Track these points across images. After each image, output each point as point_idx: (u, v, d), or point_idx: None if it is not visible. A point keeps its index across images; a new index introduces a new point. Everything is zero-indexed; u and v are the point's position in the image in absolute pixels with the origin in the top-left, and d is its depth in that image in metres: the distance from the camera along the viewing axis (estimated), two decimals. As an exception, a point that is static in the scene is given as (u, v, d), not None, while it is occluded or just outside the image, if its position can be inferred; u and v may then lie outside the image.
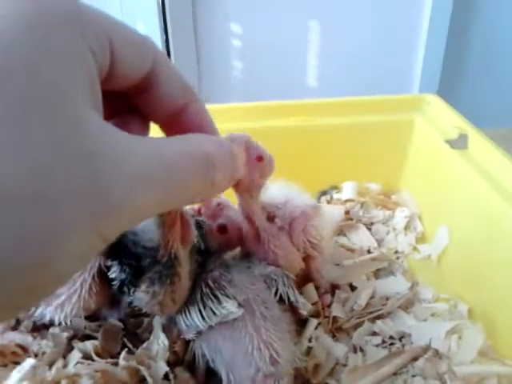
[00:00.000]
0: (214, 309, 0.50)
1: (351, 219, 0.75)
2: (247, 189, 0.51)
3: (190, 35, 1.88)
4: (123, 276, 0.50)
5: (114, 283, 0.51)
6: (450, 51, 1.86)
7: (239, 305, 0.49)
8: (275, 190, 0.59)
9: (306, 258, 0.59)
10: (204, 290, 0.52)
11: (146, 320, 0.58)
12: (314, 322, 0.57)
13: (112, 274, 0.51)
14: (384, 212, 0.76)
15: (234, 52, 2.03)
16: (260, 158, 0.52)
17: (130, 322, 0.58)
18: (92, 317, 0.56)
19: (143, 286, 0.51)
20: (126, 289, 0.51)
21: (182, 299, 0.52)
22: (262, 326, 0.49)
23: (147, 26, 1.65)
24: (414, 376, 0.49)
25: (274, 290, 0.54)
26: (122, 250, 0.51)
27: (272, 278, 0.55)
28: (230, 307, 0.49)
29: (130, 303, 0.54)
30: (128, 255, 0.50)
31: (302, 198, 0.62)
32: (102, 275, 0.52)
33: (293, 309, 0.55)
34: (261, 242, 0.56)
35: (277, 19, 1.91)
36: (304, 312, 0.54)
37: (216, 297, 0.51)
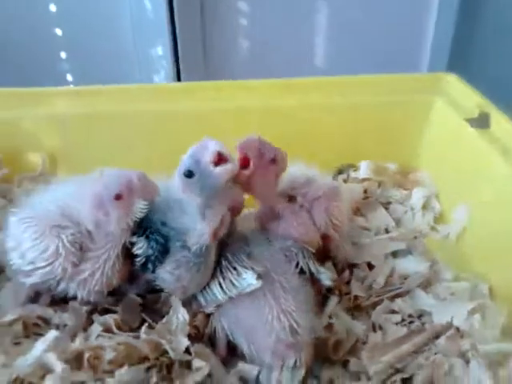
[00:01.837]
0: (233, 280, 0.50)
1: (368, 198, 0.74)
2: (262, 189, 0.53)
3: (197, 13, 1.86)
4: (150, 252, 0.50)
5: (137, 260, 0.51)
6: (461, 29, 1.83)
7: (258, 276, 0.49)
8: (296, 171, 0.59)
9: (325, 237, 0.58)
10: (223, 262, 0.52)
11: (163, 295, 0.58)
12: (334, 299, 0.57)
13: (137, 250, 0.51)
14: (401, 191, 0.75)
15: (241, 30, 2.00)
16: (273, 161, 0.53)
17: (149, 297, 0.58)
18: (111, 292, 0.56)
19: (168, 267, 0.51)
20: (150, 265, 0.51)
21: (204, 284, 0.52)
22: (281, 296, 0.49)
23: (154, 3, 1.63)
24: (436, 354, 0.49)
25: (294, 263, 0.54)
26: (150, 227, 0.51)
27: (292, 250, 0.54)
28: (249, 279, 0.49)
29: (150, 280, 0.54)
30: (156, 232, 0.50)
31: (323, 178, 0.61)
32: (125, 252, 0.52)
33: (314, 281, 0.54)
34: (280, 219, 0.56)
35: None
36: (327, 282, 0.54)
37: (235, 268, 0.51)
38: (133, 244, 0.51)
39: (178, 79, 1.48)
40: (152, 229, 0.51)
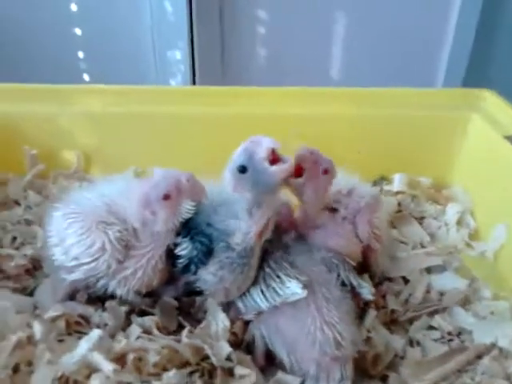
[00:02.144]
0: (277, 289, 0.50)
1: (401, 212, 0.74)
2: (311, 198, 0.53)
3: (215, 19, 1.86)
4: (194, 253, 0.50)
5: (180, 261, 0.51)
6: (479, 44, 1.82)
7: (303, 286, 0.49)
8: (338, 180, 0.58)
9: (366, 249, 0.58)
10: (266, 269, 0.52)
11: (198, 299, 0.57)
12: (372, 312, 0.56)
13: (181, 251, 0.50)
14: (435, 206, 0.74)
15: (259, 38, 2.00)
16: (326, 171, 0.53)
17: (184, 300, 0.58)
18: (147, 293, 0.56)
19: (212, 268, 0.50)
20: (193, 267, 0.50)
21: (245, 288, 0.52)
22: (324, 307, 0.49)
23: (175, 6, 1.63)
24: (482, 374, 0.48)
25: (335, 274, 0.53)
26: (194, 228, 0.50)
27: (333, 262, 0.54)
28: (294, 288, 0.49)
29: (189, 282, 0.54)
30: (200, 233, 0.50)
31: (365, 188, 0.61)
32: (167, 253, 0.52)
33: (354, 294, 0.54)
34: (321, 229, 0.56)
35: (303, 8, 1.89)
36: (369, 296, 0.54)
37: (278, 277, 0.51)
38: (176, 245, 0.51)
39: (194, 84, 1.48)
40: (197, 230, 0.50)
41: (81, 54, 1.37)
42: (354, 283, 0.54)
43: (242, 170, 0.46)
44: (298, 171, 0.51)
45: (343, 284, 0.53)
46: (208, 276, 0.50)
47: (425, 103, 0.79)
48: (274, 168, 0.46)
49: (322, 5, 1.82)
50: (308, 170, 0.51)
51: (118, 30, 1.36)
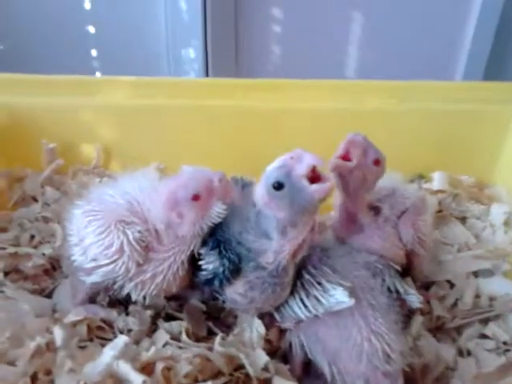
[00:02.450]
0: (319, 297, 0.45)
1: (441, 211, 0.69)
2: (357, 190, 0.48)
3: (230, 19, 1.83)
4: (220, 270, 0.45)
5: (203, 273, 0.46)
6: (499, 39, 1.77)
7: (350, 293, 0.44)
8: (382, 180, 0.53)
9: (409, 254, 0.53)
10: (305, 276, 0.47)
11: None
12: (419, 318, 0.52)
13: (206, 265, 0.46)
14: (479, 206, 0.69)
15: (274, 37, 1.98)
16: (377, 162, 0.48)
17: (212, 304, 0.53)
18: (170, 297, 0.51)
19: (241, 289, 0.45)
20: (216, 282, 0.45)
21: (278, 304, 0.47)
22: (370, 315, 0.44)
23: (189, 9, 1.60)
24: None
25: (379, 280, 0.48)
26: (224, 241, 0.45)
27: (377, 266, 0.49)
28: (339, 296, 0.44)
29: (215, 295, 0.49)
30: (230, 249, 0.45)
31: (408, 188, 0.56)
32: (191, 260, 0.47)
33: (399, 301, 0.49)
34: (362, 231, 0.52)
35: (318, 6, 1.85)
36: (417, 304, 0.49)
37: (320, 284, 0.46)
38: (201, 255, 0.46)
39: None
40: (226, 244, 0.45)
41: (94, 52, 1.34)
42: (401, 290, 0.49)
43: (278, 186, 0.41)
44: (347, 157, 0.47)
45: (390, 291, 0.49)
46: (237, 296, 0.46)
47: (465, 97, 0.74)
48: (314, 187, 0.40)
49: (338, 2, 1.79)
50: (358, 156, 0.46)
51: (132, 29, 1.34)
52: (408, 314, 0.52)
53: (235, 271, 0.45)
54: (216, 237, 0.46)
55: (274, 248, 0.44)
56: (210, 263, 0.45)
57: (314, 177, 0.41)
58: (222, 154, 0.71)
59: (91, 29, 1.31)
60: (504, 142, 0.73)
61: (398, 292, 0.49)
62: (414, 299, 0.49)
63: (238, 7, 1.76)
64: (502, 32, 1.76)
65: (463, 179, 0.73)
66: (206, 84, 0.79)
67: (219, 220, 0.46)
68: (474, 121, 0.74)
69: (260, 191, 0.42)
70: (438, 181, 0.71)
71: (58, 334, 0.42)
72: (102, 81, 0.75)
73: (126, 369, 0.39)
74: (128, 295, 0.48)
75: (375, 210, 0.53)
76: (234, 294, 0.46)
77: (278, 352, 0.49)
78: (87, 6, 1.28)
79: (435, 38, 1.75)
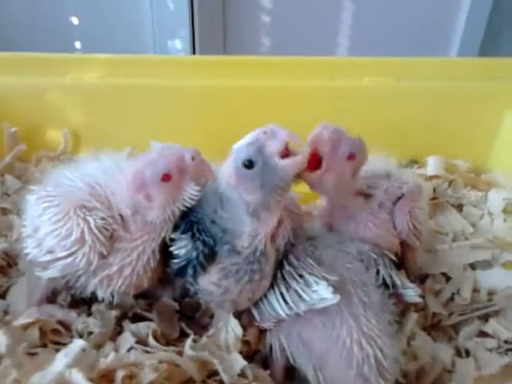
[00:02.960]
0: (300, 292, 0.40)
1: (436, 198, 0.64)
2: (336, 188, 0.43)
3: (218, 9, 1.79)
4: (194, 254, 0.39)
5: (175, 261, 0.41)
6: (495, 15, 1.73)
7: (334, 289, 0.39)
8: (373, 163, 0.48)
9: (403, 244, 0.48)
10: (286, 267, 0.42)
11: (202, 301, 0.48)
12: (413, 316, 0.47)
13: (178, 250, 0.40)
14: (476, 193, 0.65)
15: (263, 28, 1.93)
16: (351, 156, 0.42)
17: (185, 302, 0.48)
18: (139, 294, 0.46)
19: (214, 278, 0.40)
20: (190, 270, 0.40)
21: (258, 298, 0.42)
22: (361, 315, 0.39)
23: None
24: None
25: (373, 272, 0.43)
26: (197, 222, 0.40)
27: (371, 256, 0.44)
28: (322, 291, 0.39)
29: (188, 287, 0.44)
30: (204, 231, 0.40)
31: (404, 173, 0.51)
32: (163, 250, 0.42)
33: (395, 296, 0.44)
34: (353, 218, 0.47)
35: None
36: (415, 299, 0.44)
37: (301, 277, 0.40)
38: (173, 241, 0.41)
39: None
40: (199, 226, 0.40)
41: (78, 44, 1.30)
42: (398, 282, 0.44)
43: (250, 165, 0.36)
44: (315, 160, 0.41)
45: (385, 284, 0.44)
46: (210, 286, 0.41)
47: (459, 74, 0.70)
48: (286, 162, 0.36)
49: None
50: (327, 157, 0.41)
51: (118, 20, 1.29)
52: (402, 311, 0.48)
53: (210, 256, 0.40)
54: (188, 218, 0.41)
55: (248, 231, 0.39)
56: (182, 248, 0.40)
57: (286, 154, 0.37)
58: (203, 139, 0.65)
59: (75, 20, 1.26)
60: (501, 125, 0.68)
61: (394, 285, 0.44)
62: (412, 293, 0.44)
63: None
64: (498, 7, 1.71)
65: (459, 164, 0.69)
66: (186, 62, 0.73)
67: (193, 203, 0.40)
68: (470, 100, 0.69)
69: (227, 171, 0.38)
70: (432, 166, 0.67)
71: (2, 339, 0.37)
72: (72, 59, 0.69)
73: (78, 378, 0.34)
74: (93, 294, 0.43)
75: (367, 196, 0.48)
76: (208, 283, 0.41)
77: (257, 355, 0.44)
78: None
79: (430, 13, 1.70)
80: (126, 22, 1.31)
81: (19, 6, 1.23)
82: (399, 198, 0.47)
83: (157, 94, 0.67)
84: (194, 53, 1.42)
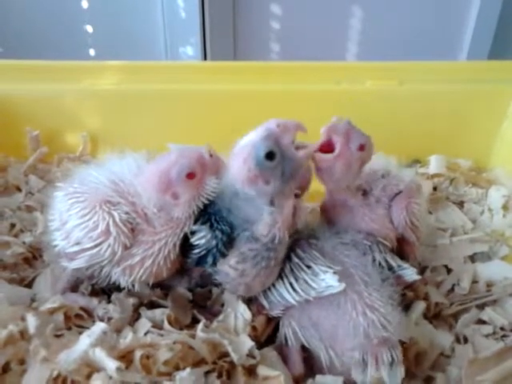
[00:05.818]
0: (309, 281, 0.43)
1: (438, 196, 0.67)
2: (341, 179, 0.46)
3: (229, 16, 1.81)
4: (213, 243, 0.43)
5: (195, 251, 0.44)
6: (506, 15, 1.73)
7: (340, 278, 0.42)
8: (374, 162, 0.51)
9: (400, 240, 0.51)
10: (294, 259, 0.45)
11: (214, 291, 0.51)
12: (421, 305, 0.50)
13: (198, 240, 0.43)
14: (477, 190, 0.67)
15: (273, 34, 1.96)
16: (362, 147, 0.45)
17: (198, 292, 0.51)
18: (156, 284, 0.49)
19: (233, 261, 0.43)
20: (210, 258, 0.43)
21: (269, 284, 0.45)
22: (363, 291, 0.42)
23: (186, 6, 1.59)
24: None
25: (370, 258, 0.46)
26: (214, 213, 0.43)
27: (365, 244, 0.47)
28: (328, 280, 0.42)
29: (205, 275, 0.47)
30: (221, 220, 0.43)
31: (403, 171, 0.54)
32: (182, 243, 0.45)
33: (395, 279, 0.47)
34: (351, 212, 0.49)
35: (317, 3, 1.83)
36: (413, 277, 0.46)
37: (309, 267, 0.44)
38: (193, 233, 0.44)
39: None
40: (217, 216, 0.43)
41: (92, 52, 1.34)
42: (393, 264, 0.46)
43: (271, 156, 0.39)
44: (328, 148, 0.44)
45: (380, 267, 0.46)
46: (228, 269, 0.44)
47: (462, 77, 0.72)
48: (302, 153, 0.40)
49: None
50: (340, 144, 0.44)
51: (130, 28, 1.33)
52: (407, 304, 0.50)
53: (228, 242, 0.43)
54: (206, 210, 0.44)
55: (267, 219, 0.42)
56: (202, 238, 0.43)
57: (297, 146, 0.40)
58: (214, 141, 0.68)
59: (89, 28, 1.31)
60: (502, 123, 0.71)
61: (390, 268, 0.47)
62: (410, 272, 0.46)
63: (236, 4, 1.74)
64: (508, 11, 1.71)
65: (461, 163, 0.71)
66: (198, 68, 0.77)
67: (214, 196, 0.44)
68: (472, 101, 0.71)
69: (242, 167, 0.40)
70: (434, 164, 0.69)
71: (31, 321, 0.40)
72: (89, 66, 0.73)
73: (101, 356, 0.37)
74: (113, 284, 0.46)
75: (364, 193, 0.50)
76: (226, 266, 0.44)
77: (263, 341, 0.47)
78: (84, 4, 1.28)
79: (440, 17, 1.71)
80: (139, 30, 1.35)
81: (38, 18, 1.28)
82: (397, 195, 0.50)
83: (169, 99, 0.71)
84: (205, 59, 1.45)
